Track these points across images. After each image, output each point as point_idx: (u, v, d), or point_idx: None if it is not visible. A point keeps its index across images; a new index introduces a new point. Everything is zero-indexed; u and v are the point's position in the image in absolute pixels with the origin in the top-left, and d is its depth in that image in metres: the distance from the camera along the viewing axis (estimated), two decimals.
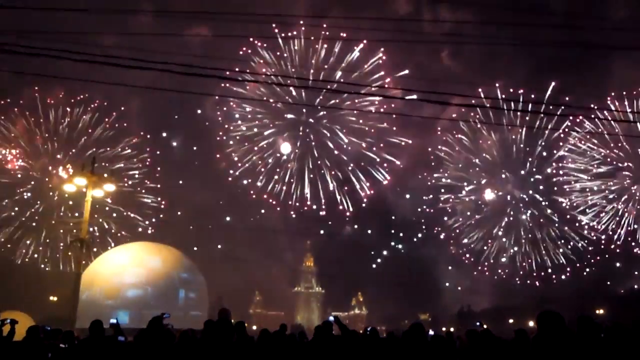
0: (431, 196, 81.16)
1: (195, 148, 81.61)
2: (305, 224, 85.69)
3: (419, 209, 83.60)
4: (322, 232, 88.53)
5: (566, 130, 71.16)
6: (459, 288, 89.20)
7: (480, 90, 56.77)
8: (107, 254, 49.62)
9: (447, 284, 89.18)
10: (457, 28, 68.43)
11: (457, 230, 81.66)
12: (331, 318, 10.44)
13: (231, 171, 78.09)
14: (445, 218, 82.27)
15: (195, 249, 67.76)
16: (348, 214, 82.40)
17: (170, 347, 8.92)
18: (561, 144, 75.26)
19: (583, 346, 4.80)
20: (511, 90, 69.44)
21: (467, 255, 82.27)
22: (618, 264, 77.13)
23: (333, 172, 79.67)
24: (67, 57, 12.13)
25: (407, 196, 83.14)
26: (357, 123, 76.90)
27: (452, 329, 50.58)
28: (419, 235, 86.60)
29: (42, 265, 69.19)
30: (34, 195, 72.39)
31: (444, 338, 9.70)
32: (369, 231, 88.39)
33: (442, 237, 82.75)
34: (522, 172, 79.90)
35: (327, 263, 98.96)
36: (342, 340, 9.79)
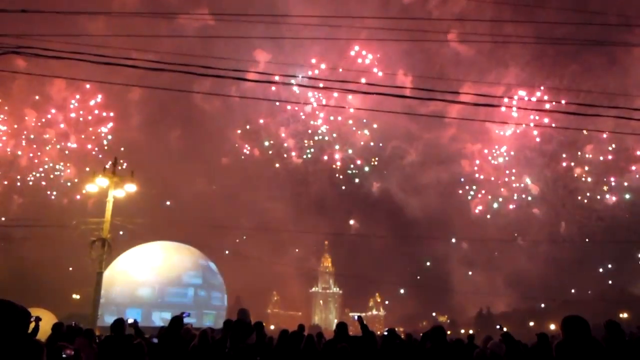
0: (446, 193, 79.98)
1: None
2: (322, 223, 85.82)
3: (434, 208, 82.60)
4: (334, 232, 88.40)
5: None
6: (477, 289, 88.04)
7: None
8: (127, 253, 50.35)
9: (464, 285, 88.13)
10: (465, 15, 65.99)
11: (473, 228, 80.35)
12: (355, 317, 10.69)
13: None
14: (461, 216, 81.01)
15: (226, 250, 68.16)
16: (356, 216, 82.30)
17: (189, 346, 9.00)
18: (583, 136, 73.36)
19: (611, 354, 4.69)
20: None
21: (485, 255, 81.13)
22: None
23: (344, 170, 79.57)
24: (87, 60, 12.33)
25: (421, 194, 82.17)
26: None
27: (471, 331, 50.02)
28: (435, 234, 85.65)
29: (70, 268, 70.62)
30: (57, 193, 73.86)
31: (464, 343, 9.60)
32: (385, 231, 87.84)
33: (458, 236, 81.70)
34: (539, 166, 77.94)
35: (344, 264, 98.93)
36: (361, 341, 9.76)
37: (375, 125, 77.96)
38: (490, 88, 62.98)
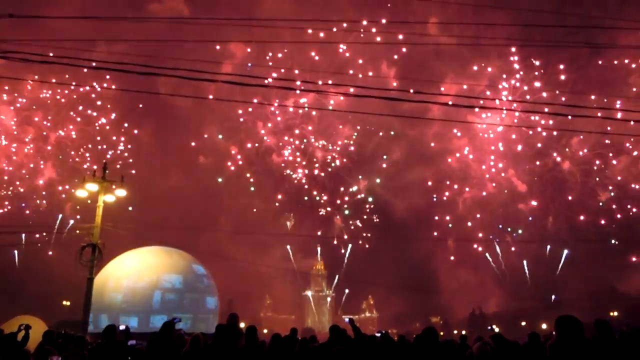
0: (432, 191, 79.72)
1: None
2: (315, 225, 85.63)
3: (421, 206, 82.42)
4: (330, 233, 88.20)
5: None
6: (469, 289, 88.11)
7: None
8: (117, 259, 49.86)
9: (456, 285, 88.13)
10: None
11: (461, 227, 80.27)
12: (346, 320, 10.70)
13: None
14: (449, 214, 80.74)
15: (215, 254, 67.70)
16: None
17: (181, 351, 8.96)
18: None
19: (602, 353, 4.73)
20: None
21: (475, 254, 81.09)
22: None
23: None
24: (74, 64, 12.27)
25: (408, 192, 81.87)
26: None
27: (463, 332, 50.12)
28: (423, 234, 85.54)
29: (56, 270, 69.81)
30: (46, 198, 73.08)
31: (456, 343, 9.64)
32: (374, 232, 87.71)
33: (446, 234, 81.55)
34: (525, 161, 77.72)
35: (337, 266, 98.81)
36: (354, 343, 9.78)
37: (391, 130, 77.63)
38: (472, 81, 63.20)
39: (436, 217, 78.69)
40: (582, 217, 75.29)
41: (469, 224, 79.20)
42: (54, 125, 73.83)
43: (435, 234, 79.96)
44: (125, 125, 75.42)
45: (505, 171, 78.09)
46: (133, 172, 67.40)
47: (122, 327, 10.14)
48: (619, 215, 72.89)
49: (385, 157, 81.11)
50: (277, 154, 79.58)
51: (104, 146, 74.88)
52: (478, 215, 78.61)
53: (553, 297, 77.39)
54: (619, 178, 72.41)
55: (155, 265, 49.13)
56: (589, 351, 4.54)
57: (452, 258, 79.77)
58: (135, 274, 47.68)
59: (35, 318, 32.11)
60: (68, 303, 58.19)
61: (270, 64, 68.69)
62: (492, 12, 49.95)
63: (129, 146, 75.75)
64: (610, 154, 72.58)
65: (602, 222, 73.25)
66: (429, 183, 79.05)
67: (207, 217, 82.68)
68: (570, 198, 75.92)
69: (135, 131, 76.34)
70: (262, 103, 68.64)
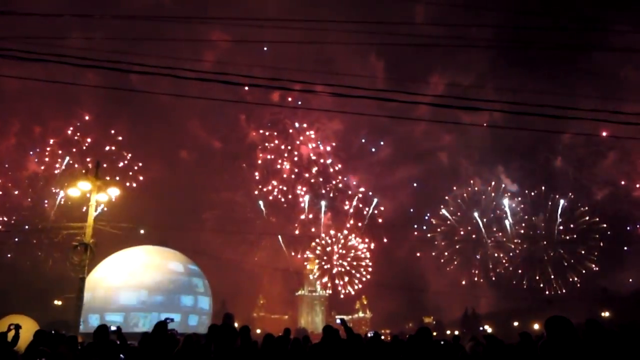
0: (422, 188, 79.94)
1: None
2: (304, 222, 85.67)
3: (411, 205, 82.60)
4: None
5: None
6: (462, 289, 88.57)
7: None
8: (110, 257, 49.59)
9: (448, 286, 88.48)
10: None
11: (455, 229, 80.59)
12: (338, 320, 10.72)
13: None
14: (438, 212, 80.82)
15: (209, 253, 67.44)
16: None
17: (173, 352, 8.91)
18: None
19: (592, 353, 4.75)
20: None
21: (466, 253, 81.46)
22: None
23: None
24: (69, 62, 12.15)
25: (397, 190, 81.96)
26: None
27: (456, 332, 50.20)
28: (415, 234, 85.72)
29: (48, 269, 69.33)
30: (37, 198, 72.53)
31: (449, 343, 9.65)
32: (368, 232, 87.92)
33: (437, 234, 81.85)
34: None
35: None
36: (347, 344, 9.77)
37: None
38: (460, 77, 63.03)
39: (425, 218, 78.79)
40: (574, 215, 75.81)
41: (454, 224, 79.60)
42: (38, 118, 73.54)
43: (425, 239, 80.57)
44: (111, 131, 75.17)
45: (494, 168, 78.57)
46: (141, 178, 66.94)
47: (113, 328, 10.05)
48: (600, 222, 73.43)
49: (373, 149, 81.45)
50: (262, 149, 79.55)
51: (89, 140, 74.75)
52: (476, 213, 78.96)
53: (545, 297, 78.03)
54: (610, 176, 73.04)
55: (154, 265, 49.09)
56: (579, 351, 4.56)
57: (442, 261, 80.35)
58: (137, 273, 47.52)
59: (27, 317, 31.83)
60: (59, 302, 57.75)
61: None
62: (481, 11, 50.26)
63: (112, 147, 75.56)
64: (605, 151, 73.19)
65: (595, 220, 73.80)
66: (415, 184, 79.48)
67: (200, 216, 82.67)
68: (559, 196, 76.37)
69: (113, 132, 76.25)
70: (242, 101, 68.26)
